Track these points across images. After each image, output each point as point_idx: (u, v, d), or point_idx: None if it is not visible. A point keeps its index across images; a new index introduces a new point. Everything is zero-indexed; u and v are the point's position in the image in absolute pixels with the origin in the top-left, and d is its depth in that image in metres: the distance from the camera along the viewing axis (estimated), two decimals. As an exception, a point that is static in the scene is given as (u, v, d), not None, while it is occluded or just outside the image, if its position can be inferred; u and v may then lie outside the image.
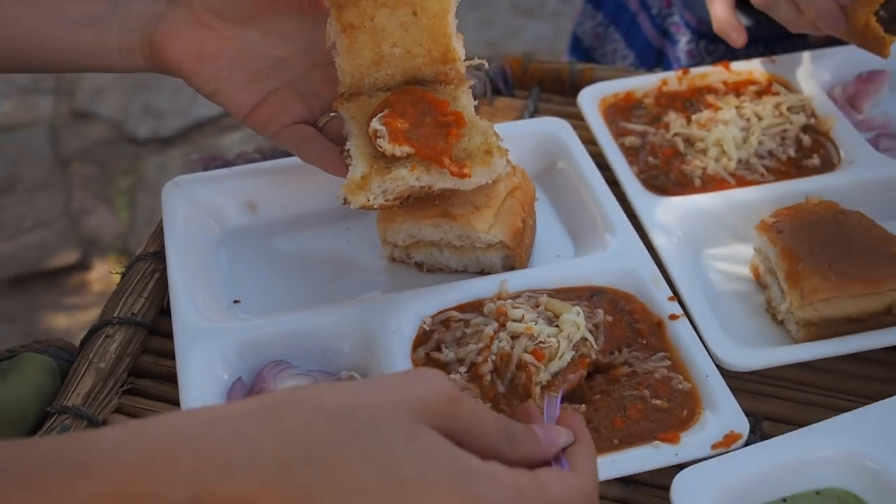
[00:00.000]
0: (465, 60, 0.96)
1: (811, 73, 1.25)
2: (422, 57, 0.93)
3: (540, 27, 3.16)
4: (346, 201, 0.90)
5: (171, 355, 0.97)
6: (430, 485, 0.59)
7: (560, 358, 0.87)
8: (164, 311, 1.04)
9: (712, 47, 1.62)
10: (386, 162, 0.90)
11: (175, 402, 0.94)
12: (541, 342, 0.88)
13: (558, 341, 0.88)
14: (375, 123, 0.90)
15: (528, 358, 0.86)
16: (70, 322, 2.40)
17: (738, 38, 1.21)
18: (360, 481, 0.58)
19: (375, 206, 0.91)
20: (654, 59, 1.73)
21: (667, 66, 1.67)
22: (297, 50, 0.98)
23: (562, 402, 0.88)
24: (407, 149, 0.88)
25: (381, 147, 0.89)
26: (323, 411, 0.59)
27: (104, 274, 2.50)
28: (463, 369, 0.91)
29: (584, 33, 1.87)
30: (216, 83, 0.96)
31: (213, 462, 0.56)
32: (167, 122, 2.90)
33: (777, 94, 1.24)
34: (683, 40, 1.67)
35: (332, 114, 0.98)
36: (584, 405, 0.89)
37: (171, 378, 0.96)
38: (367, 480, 0.58)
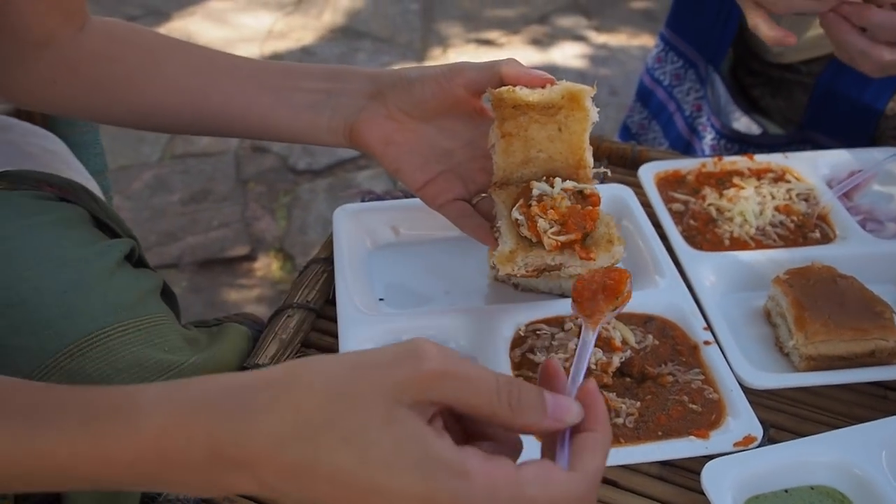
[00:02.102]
0: (592, 168, 0.91)
1: (814, 168, 1.21)
2: (560, 162, 0.89)
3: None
4: (494, 268, 0.86)
5: (331, 334, 0.96)
6: (397, 471, 0.50)
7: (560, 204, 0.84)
8: (329, 301, 1.04)
9: (730, 145, 1.60)
10: (530, 241, 0.86)
11: (333, 370, 0.93)
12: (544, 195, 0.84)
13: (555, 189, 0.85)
14: (515, 213, 0.86)
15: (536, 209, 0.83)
16: (239, 296, 2.41)
17: (791, 40, 1.11)
18: (339, 460, 0.51)
19: (518, 275, 0.87)
20: (684, 148, 1.70)
21: (693, 155, 1.65)
22: (462, 144, 0.95)
23: (607, 383, 0.86)
24: (547, 235, 0.84)
25: (522, 233, 0.86)
26: (314, 393, 0.53)
27: (266, 264, 2.51)
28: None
29: (633, 123, 1.86)
30: (398, 164, 0.93)
31: (223, 430, 0.52)
32: (319, 159, 2.92)
33: (789, 181, 1.20)
34: (708, 137, 1.64)
35: (483, 195, 0.95)
36: (639, 402, 0.86)
37: (331, 350, 0.95)
38: (344, 460, 0.51)
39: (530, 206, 0.85)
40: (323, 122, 0.93)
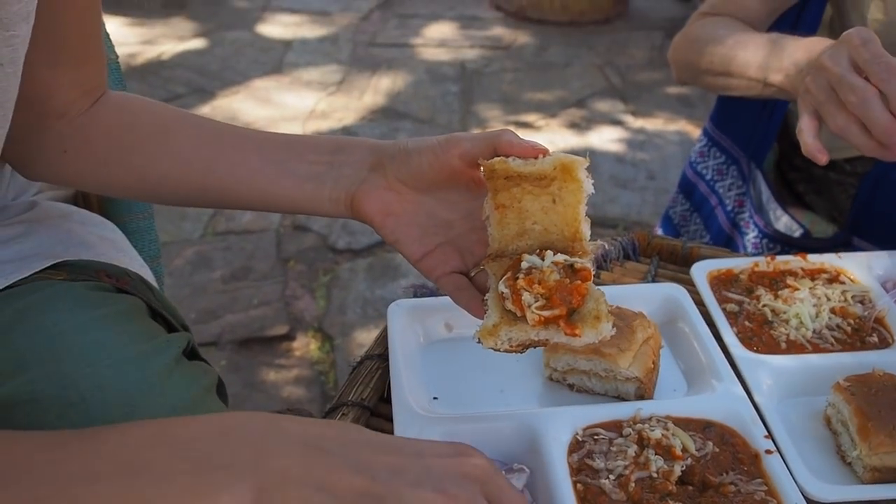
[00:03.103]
0: (589, 241, 0.88)
1: (869, 269, 1.20)
2: (556, 234, 0.87)
3: (631, 196, 3.14)
4: (479, 341, 0.83)
5: (386, 433, 0.95)
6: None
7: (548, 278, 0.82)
8: (382, 399, 1.03)
9: (772, 245, 1.58)
10: (514, 315, 0.83)
11: (388, 470, 0.91)
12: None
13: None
14: (501, 286, 0.84)
15: None
16: (277, 376, 2.41)
17: (823, 158, 1.12)
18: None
19: (501, 350, 0.83)
20: (725, 242, 1.69)
21: (734, 250, 1.63)
22: (460, 216, 0.94)
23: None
24: (531, 310, 0.81)
25: (507, 307, 0.83)
26: None
27: (304, 343, 2.52)
28: (612, 477, 0.87)
29: (675, 214, 1.86)
30: (397, 234, 0.93)
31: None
32: (358, 239, 2.94)
33: (843, 283, 1.18)
34: (751, 234, 1.63)
35: (480, 267, 0.93)
36: (703, 515, 0.84)
37: (385, 451, 0.93)
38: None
39: (517, 279, 0.83)
40: (325, 193, 0.94)
